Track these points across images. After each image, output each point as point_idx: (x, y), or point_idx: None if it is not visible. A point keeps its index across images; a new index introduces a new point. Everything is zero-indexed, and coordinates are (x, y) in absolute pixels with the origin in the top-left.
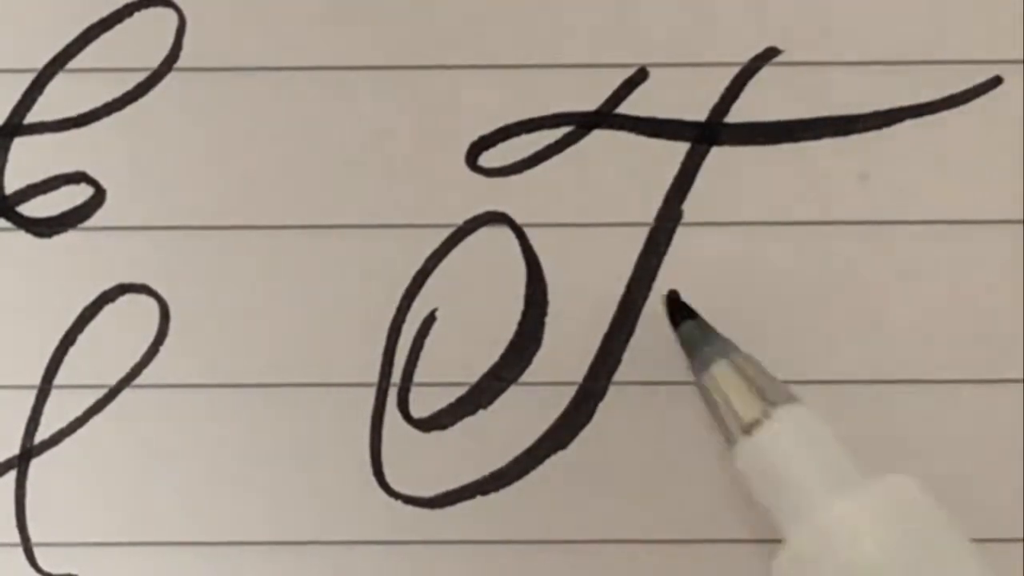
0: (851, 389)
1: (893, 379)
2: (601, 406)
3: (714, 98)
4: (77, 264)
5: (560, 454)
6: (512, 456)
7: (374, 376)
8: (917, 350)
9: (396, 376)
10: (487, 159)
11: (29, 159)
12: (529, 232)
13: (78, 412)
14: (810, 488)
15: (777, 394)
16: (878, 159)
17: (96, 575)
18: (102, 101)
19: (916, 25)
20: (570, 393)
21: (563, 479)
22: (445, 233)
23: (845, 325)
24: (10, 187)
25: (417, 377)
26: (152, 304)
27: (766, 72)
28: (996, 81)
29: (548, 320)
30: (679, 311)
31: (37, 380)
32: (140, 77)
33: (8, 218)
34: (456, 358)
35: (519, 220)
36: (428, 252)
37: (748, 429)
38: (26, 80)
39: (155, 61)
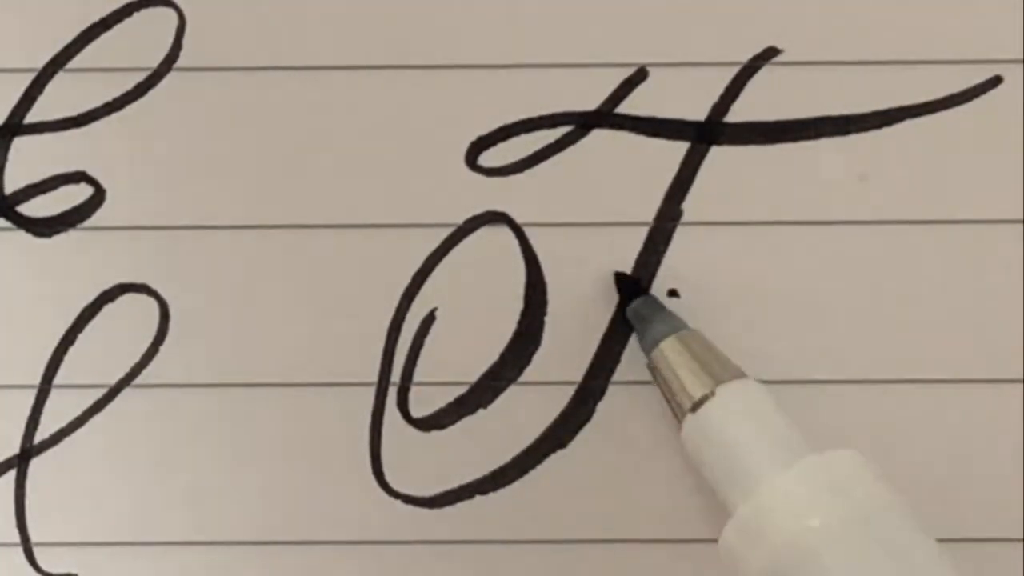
0: (851, 389)
1: (893, 379)
2: (600, 405)
3: (714, 98)
4: (77, 264)
5: (559, 453)
6: (512, 456)
7: (374, 376)
8: (917, 350)
9: (396, 376)
10: (487, 159)
11: (29, 159)
12: (529, 232)
13: (78, 412)
14: (756, 462)
15: (725, 370)
16: (878, 159)
17: (96, 575)
18: (102, 101)
19: (916, 25)
20: (569, 392)
21: (563, 479)
22: (445, 233)
23: (845, 325)
24: (10, 187)
25: (417, 377)
26: (152, 304)
27: (766, 72)
28: (996, 81)
29: (547, 320)
30: (628, 289)
31: (37, 380)
32: (140, 77)
33: (8, 218)
34: (455, 358)
35: (519, 220)
36: (428, 252)
37: (695, 406)
38: (26, 80)
39: (155, 61)
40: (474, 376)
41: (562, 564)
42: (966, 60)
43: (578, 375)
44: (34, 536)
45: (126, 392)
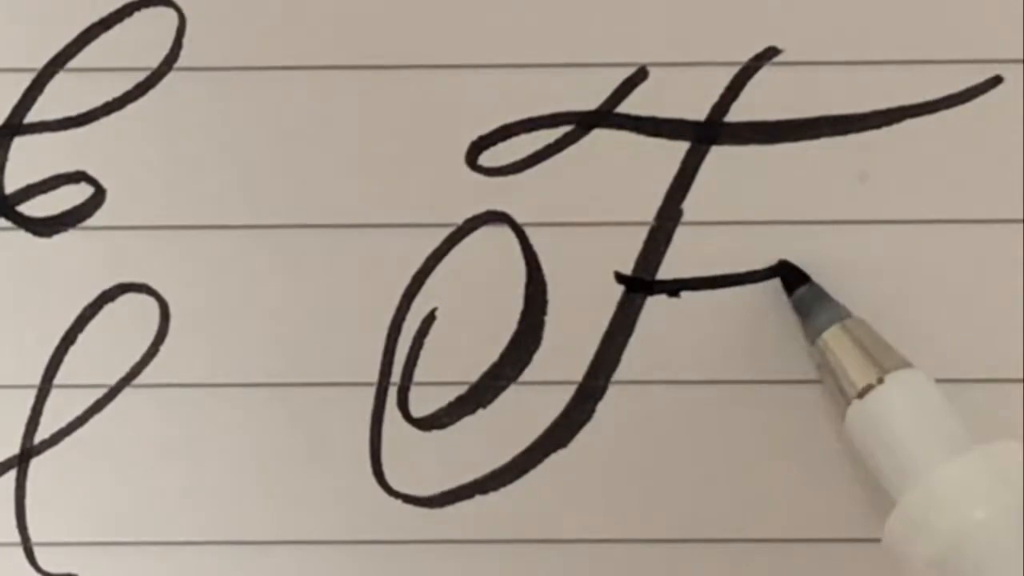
0: None
1: None
2: (600, 405)
3: (714, 97)
4: (77, 264)
5: (560, 453)
6: (512, 455)
7: (374, 375)
8: (917, 350)
9: (396, 375)
10: (487, 159)
11: (29, 159)
12: (529, 231)
13: (78, 412)
14: (921, 451)
15: (890, 359)
16: (878, 159)
17: (96, 575)
18: (102, 101)
19: (916, 25)
20: (570, 392)
21: (563, 478)
22: (445, 233)
23: None
24: (10, 187)
25: (417, 376)
26: (152, 304)
27: (766, 72)
28: (996, 81)
29: (548, 319)
30: (793, 277)
31: (37, 380)
32: (140, 77)
33: (8, 218)
34: (456, 357)
35: (519, 219)
36: (428, 252)
37: (862, 394)
38: (26, 80)
39: (155, 61)
40: (474, 376)
41: (562, 564)
42: (966, 60)
43: (578, 375)
44: (34, 536)
45: (126, 392)
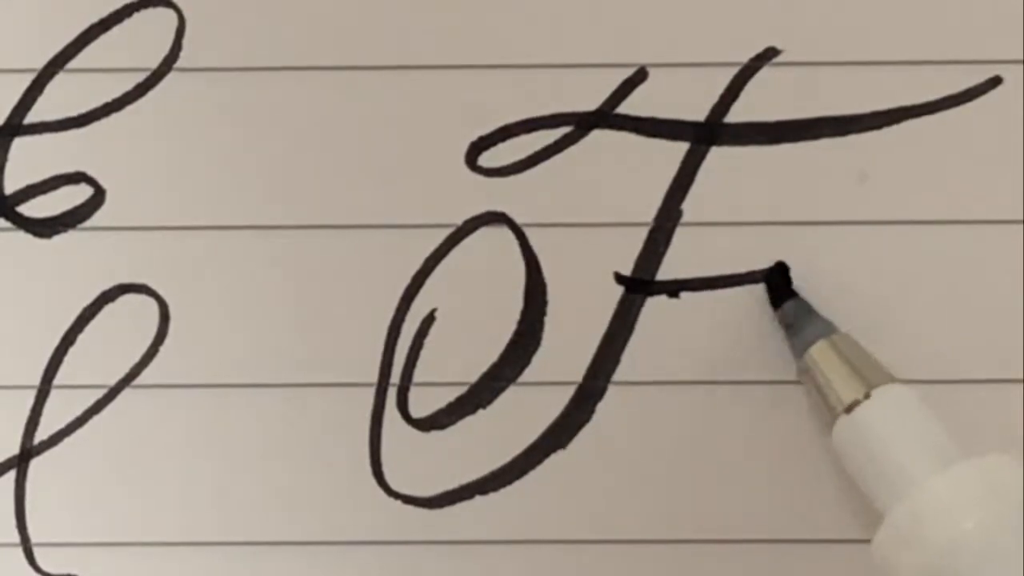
0: None
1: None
2: (600, 406)
3: (714, 98)
4: (77, 264)
5: (559, 454)
6: (511, 456)
7: (373, 376)
8: (917, 350)
9: (395, 376)
10: (487, 159)
11: (29, 159)
12: (528, 232)
13: (78, 412)
14: (909, 466)
15: (876, 374)
16: (878, 159)
17: (96, 575)
18: (102, 101)
19: (916, 25)
20: (569, 393)
21: (562, 479)
22: (444, 233)
23: (844, 325)
24: (10, 187)
25: (416, 377)
26: (152, 304)
27: (766, 72)
28: (996, 81)
29: (547, 320)
30: (780, 291)
31: (37, 380)
32: (140, 77)
33: (8, 218)
34: (455, 358)
35: (519, 220)
36: (427, 252)
37: (849, 408)
38: (26, 80)
39: (155, 61)
40: (474, 376)
41: (562, 564)
42: (966, 60)
43: (578, 376)
44: (34, 536)
45: (126, 392)
